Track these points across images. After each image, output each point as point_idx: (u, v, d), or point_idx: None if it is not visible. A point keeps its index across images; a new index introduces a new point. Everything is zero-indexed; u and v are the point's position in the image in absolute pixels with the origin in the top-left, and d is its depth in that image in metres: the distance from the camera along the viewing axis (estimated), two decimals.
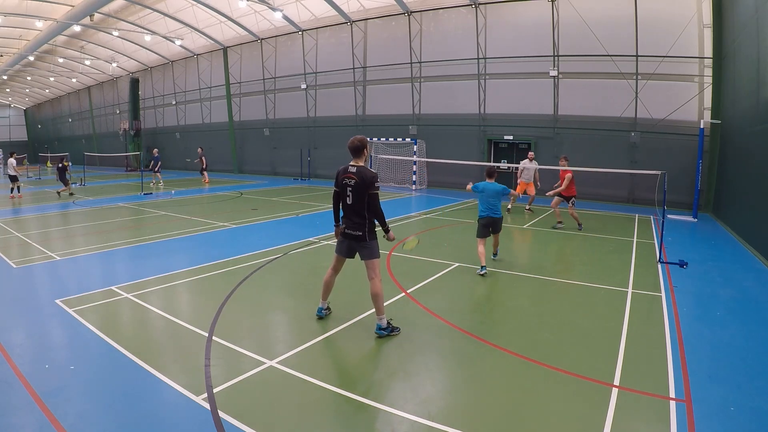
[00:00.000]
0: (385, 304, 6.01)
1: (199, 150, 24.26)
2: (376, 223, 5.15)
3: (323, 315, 5.56)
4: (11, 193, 17.63)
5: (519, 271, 7.86)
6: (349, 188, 5.05)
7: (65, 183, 18.83)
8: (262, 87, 28.75)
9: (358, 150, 5.10)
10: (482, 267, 7.39)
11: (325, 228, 11.26)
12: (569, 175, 11.23)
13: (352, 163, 5.14)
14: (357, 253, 5.23)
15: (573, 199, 11.44)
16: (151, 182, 22.50)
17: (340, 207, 5.23)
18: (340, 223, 5.26)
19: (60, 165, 19.09)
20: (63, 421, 3.47)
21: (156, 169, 22.39)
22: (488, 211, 7.62)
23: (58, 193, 18.54)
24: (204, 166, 23.48)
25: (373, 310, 5.25)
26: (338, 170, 5.19)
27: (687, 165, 15.29)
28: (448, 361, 4.65)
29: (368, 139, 20.18)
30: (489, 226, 7.67)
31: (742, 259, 8.97)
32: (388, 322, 5.15)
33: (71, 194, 18.71)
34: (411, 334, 5.19)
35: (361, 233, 5.05)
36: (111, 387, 4.03)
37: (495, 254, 8.41)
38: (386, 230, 5.26)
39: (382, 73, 23.15)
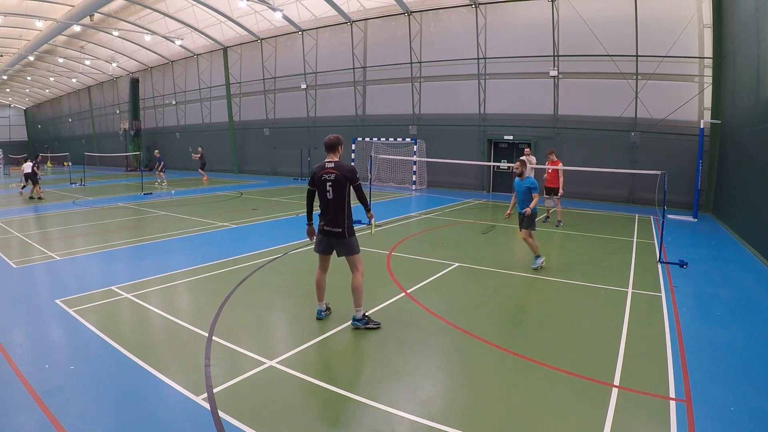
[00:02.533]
0: (384, 304, 6.06)
1: (200, 149, 25.06)
2: (353, 219, 5.27)
3: (323, 317, 5.54)
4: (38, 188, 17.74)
5: (519, 271, 7.86)
6: (329, 183, 5.08)
7: (34, 182, 17.29)
8: (262, 87, 28.74)
9: (334, 146, 5.18)
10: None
11: None
12: (560, 164, 12.00)
13: (327, 159, 5.17)
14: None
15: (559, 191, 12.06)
16: (155, 182, 22.86)
17: (317, 205, 5.25)
18: (317, 221, 5.30)
19: (34, 163, 17.92)
20: (63, 421, 3.47)
21: (161, 169, 23.14)
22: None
23: (30, 197, 17.18)
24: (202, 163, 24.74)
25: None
26: (313, 169, 5.23)
27: (687, 165, 15.29)
28: (448, 361, 4.66)
29: (368, 139, 19.91)
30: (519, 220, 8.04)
31: (742, 259, 8.97)
32: (365, 315, 5.23)
33: (40, 198, 17.06)
34: (411, 334, 5.19)
35: (340, 230, 5.09)
36: (111, 387, 4.04)
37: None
38: (367, 209, 5.45)
39: (382, 73, 23.13)
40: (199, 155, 24.80)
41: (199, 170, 25.38)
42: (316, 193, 5.24)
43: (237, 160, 31.35)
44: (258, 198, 17.88)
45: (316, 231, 5.34)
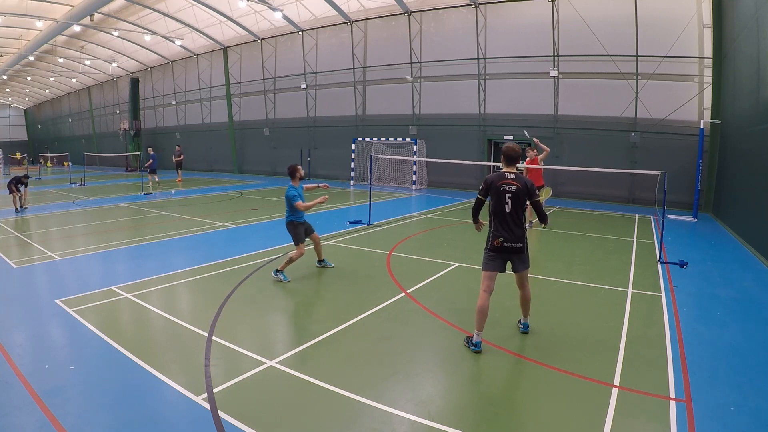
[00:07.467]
0: (384, 304, 6.07)
1: (178, 147, 24.57)
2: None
3: (481, 350, 4.74)
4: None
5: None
6: (508, 195, 4.75)
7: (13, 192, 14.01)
8: (262, 87, 28.74)
9: (517, 159, 4.95)
10: None
11: (325, 228, 11.24)
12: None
13: (506, 170, 4.89)
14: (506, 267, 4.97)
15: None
16: (149, 182, 21.59)
17: (494, 218, 4.87)
18: (498, 236, 4.81)
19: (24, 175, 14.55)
20: (63, 421, 3.47)
21: (150, 168, 21.15)
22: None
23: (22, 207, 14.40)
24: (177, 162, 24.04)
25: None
26: (489, 177, 4.89)
27: (687, 165, 15.29)
28: (448, 361, 4.65)
29: (368, 139, 19.79)
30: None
31: (742, 259, 8.97)
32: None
33: (24, 208, 14.37)
34: (411, 334, 5.19)
35: (521, 245, 4.83)
36: (111, 387, 4.04)
37: None
38: (545, 220, 5.19)
39: (382, 73, 23.13)
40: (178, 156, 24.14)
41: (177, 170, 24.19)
42: (487, 203, 4.90)
43: (237, 160, 31.33)
44: (258, 198, 17.88)
45: (488, 246, 4.90)
